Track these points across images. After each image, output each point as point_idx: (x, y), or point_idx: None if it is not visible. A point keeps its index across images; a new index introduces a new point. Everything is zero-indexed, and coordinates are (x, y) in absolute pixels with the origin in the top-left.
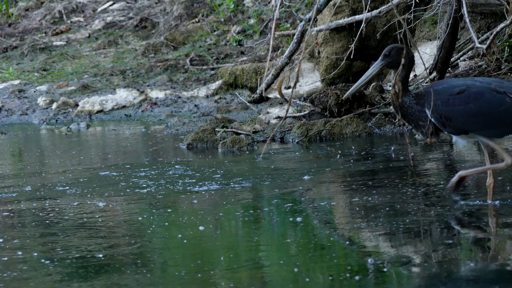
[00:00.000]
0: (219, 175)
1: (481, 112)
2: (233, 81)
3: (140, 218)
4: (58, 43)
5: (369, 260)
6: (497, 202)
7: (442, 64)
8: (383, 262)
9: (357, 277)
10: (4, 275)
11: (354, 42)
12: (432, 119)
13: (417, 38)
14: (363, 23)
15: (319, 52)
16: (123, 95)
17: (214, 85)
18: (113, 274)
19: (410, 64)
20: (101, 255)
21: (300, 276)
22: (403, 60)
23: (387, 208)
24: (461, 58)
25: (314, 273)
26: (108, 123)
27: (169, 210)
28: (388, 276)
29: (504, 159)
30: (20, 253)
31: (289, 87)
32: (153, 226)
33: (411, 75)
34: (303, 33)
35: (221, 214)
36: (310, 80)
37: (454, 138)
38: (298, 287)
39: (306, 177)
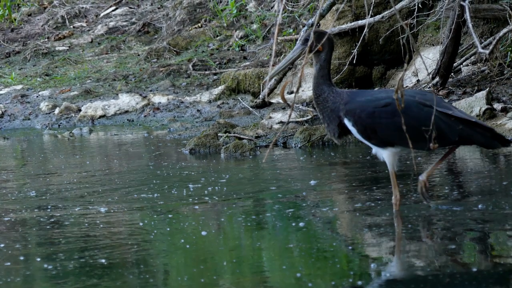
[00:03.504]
0: (221, 180)
1: (408, 125)
2: (236, 86)
3: (141, 224)
4: (61, 48)
5: (372, 265)
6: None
7: (445, 69)
8: (386, 267)
9: (359, 282)
10: (8, 280)
11: (357, 47)
12: (354, 130)
13: (420, 43)
14: (365, 28)
15: None
16: (126, 100)
17: (216, 90)
18: (116, 279)
19: (330, 49)
20: (103, 260)
21: (303, 282)
22: (324, 45)
23: (391, 213)
24: (464, 63)
25: (317, 278)
26: (111, 128)
27: (170, 216)
28: (391, 282)
29: (393, 194)
30: (22, 258)
31: (292, 92)
32: (155, 231)
33: (414, 80)
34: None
35: (223, 219)
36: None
37: (374, 150)
38: None
39: (312, 182)
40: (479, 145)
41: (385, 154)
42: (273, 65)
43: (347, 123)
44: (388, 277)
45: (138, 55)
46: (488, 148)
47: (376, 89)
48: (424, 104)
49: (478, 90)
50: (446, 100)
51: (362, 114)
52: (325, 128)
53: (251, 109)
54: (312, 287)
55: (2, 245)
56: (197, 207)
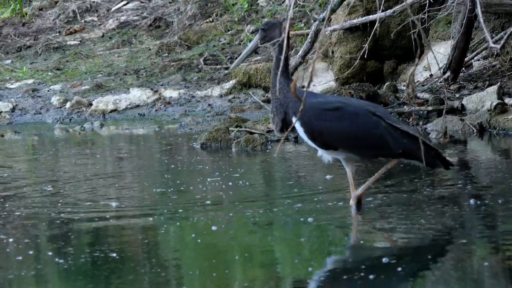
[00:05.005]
0: (233, 175)
1: (354, 132)
2: (247, 81)
3: (151, 218)
4: (72, 42)
5: (383, 259)
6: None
7: (456, 64)
8: (398, 261)
9: (371, 276)
10: (21, 274)
11: (368, 41)
12: (301, 130)
13: (431, 38)
14: (377, 23)
15: (333, 52)
16: (137, 95)
17: (228, 85)
18: (127, 274)
19: (287, 40)
20: (114, 254)
21: (315, 276)
22: (278, 35)
23: (403, 208)
24: (475, 58)
25: (329, 272)
26: (122, 122)
27: (180, 210)
28: (403, 276)
29: (351, 193)
30: (33, 252)
31: (303, 87)
32: (165, 225)
33: (425, 75)
34: (317, 32)
35: (234, 214)
36: (324, 80)
37: (320, 152)
38: (312, 286)
39: (328, 177)
40: (420, 162)
41: (326, 157)
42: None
43: (293, 121)
44: (399, 270)
45: (149, 49)
46: (428, 167)
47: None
48: (374, 113)
49: (490, 85)
50: (457, 95)
51: (310, 114)
52: (270, 118)
53: (262, 103)
54: (323, 281)
55: (12, 240)
56: (208, 201)
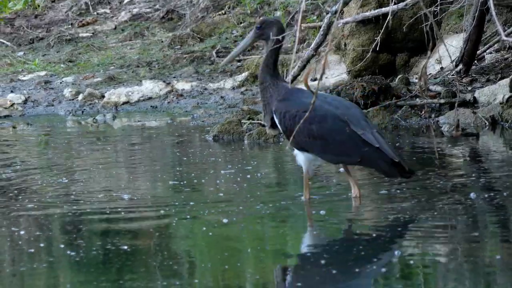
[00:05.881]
0: (245, 167)
1: (321, 136)
2: None
3: (163, 212)
4: (84, 34)
5: (395, 252)
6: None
7: (468, 57)
8: (410, 254)
9: (383, 269)
10: (33, 266)
11: (380, 34)
12: (280, 128)
13: (444, 30)
14: (389, 15)
15: (345, 45)
16: (149, 87)
17: (240, 77)
18: (139, 266)
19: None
20: (126, 247)
21: (327, 268)
22: (274, 34)
23: (415, 200)
24: (487, 51)
25: (341, 264)
26: (134, 114)
27: (192, 203)
28: (415, 269)
29: (304, 194)
30: (44, 244)
31: (315, 79)
32: (177, 218)
33: (438, 68)
34: (329, 25)
35: (246, 207)
36: (336, 72)
37: (295, 151)
38: (324, 278)
39: (341, 170)
40: (379, 171)
41: (303, 158)
42: (296, 52)
43: (276, 120)
44: (411, 264)
45: (162, 41)
46: (386, 176)
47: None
48: (341, 119)
49: (502, 78)
50: (469, 88)
51: (286, 114)
52: (263, 116)
53: None
54: (336, 274)
55: (23, 232)
56: (220, 194)
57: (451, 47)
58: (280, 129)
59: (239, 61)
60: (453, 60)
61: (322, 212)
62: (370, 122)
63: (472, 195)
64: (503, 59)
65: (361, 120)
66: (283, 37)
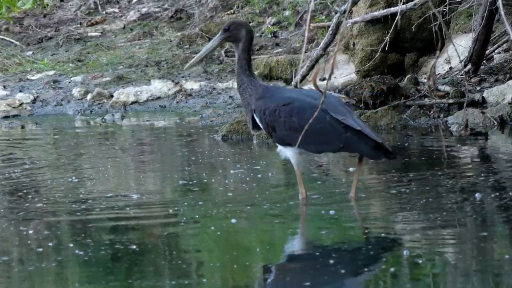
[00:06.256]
0: (254, 167)
1: (301, 127)
2: (268, 73)
3: (171, 211)
4: (93, 34)
5: (404, 252)
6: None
7: (477, 57)
8: (419, 254)
9: (392, 269)
10: (41, 266)
11: (389, 34)
12: (261, 126)
13: (452, 30)
14: (398, 15)
15: (354, 44)
16: (158, 86)
17: None
18: (147, 265)
19: (249, 38)
20: (134, 246)
21: (335, 268)
22: (242, 35)
23: (424, 200)
24: (496, 51)
25: (349, 264)
26: (143, 114)
27: (200, 203)
28: (423, 268)
29: (300, 192)
30: (53, 244)
31: (324, 79)
32: (185, 218)
33: (446, 68)
34: (338, 25)
35: (254, 206)
36: (345, 72)
37: (279, 148)
38: (333, 278)
39: (351, 169)
40: (363, 154)
41: (289, 154)
42: (305, 52)
43: (256, 119)
44: (420, 263)
45: (171, 41)
46: (371, 159)
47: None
48: (321, 109)
49: (510, 78)
50: (478, 88)
51: (266, 111)
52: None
53: None
54: (344, 273)
55: (32, 231)
56: (230, 194)
57: (460, 47)
58: (262, 126)
59: None
60: (462, 60)
61: (332, 212)
62: (349, 108)
63: (478, 195)
64: None
65: (340, 107)
66: (252, 38)
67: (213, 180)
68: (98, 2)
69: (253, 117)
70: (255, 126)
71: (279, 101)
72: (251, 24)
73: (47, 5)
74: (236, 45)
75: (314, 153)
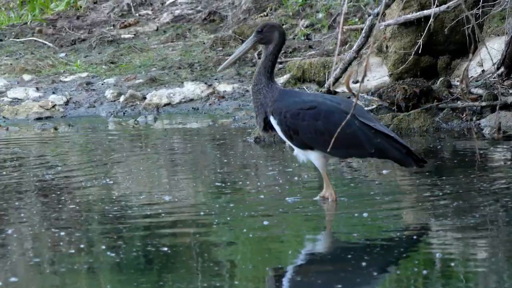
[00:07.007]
0: (287, 169)
1: (329, 131)
2: (301, 75)
3: (203, 213)
4: (126, 36)
5: (437, 254)
6: None
7: (510, 60)
8: (451, 256)
9: (424, 272)
10: (74, 267)
11: (422, 37)
12: (278, 129)
13: (485, 33)
14: (431, 18)
15: (387, 47)
16: (191, 89)
17: (282, 79)
18: (179, 268)
19: (281, 41)
20: (166, 249)
21: (367, 270)
22: (275, 38)
23: (456, 203)
24: None
25: (382, 267)
26: (176, 116)
27: (232, 205)
28: (455, 271)
29: (329, 194)
30: (84, 246)
31: (357, 82)
32: (217, 220)
33: (479, 71)
34: (371, 27)
35: (286, 208)
36: (378, 75)
37: (296, 151)
38: (365, 280)
39: (384, 171)
40: (394, 160)
41: (312, 157)
42: (338, 54)
43: (272, 121)
44: (453, 265)
45: (204, 43)
46: (402, 165)
47: (313, 92)
48: (347, 112)
49: None
50: (511, 91)
51: (287, 114)
52: (255, 118)
53: None
54: (376, 276)
55: (64, 233)
56: (262, 196)
57: (492, 49)
58: (279, 129)
59: (280, 63)
60: (495, 63)
61: (365, 214)
62: (373, 116)
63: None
64: None
65: (366, 113)
66: (284, 41)
67: (245, 182)
68: (131, 4)
69: (265, 119)
70: (267, 128)
71: (303, 104)
72: (284, 26)
73: (80, 7)
74: (266, 47)
75: (340, 158)
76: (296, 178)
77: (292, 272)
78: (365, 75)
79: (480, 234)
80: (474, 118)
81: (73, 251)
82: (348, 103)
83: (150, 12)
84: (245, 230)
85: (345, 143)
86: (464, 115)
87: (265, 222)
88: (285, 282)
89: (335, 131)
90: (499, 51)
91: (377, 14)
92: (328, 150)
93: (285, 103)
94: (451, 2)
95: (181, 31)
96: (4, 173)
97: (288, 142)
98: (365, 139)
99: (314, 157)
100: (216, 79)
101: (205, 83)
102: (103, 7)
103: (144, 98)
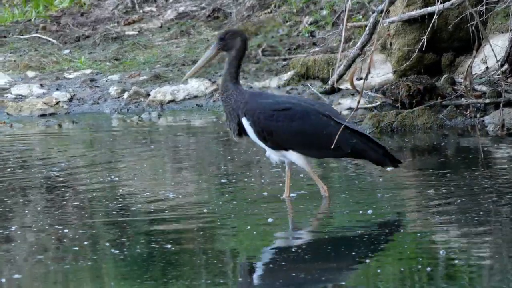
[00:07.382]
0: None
1: (304, 132)
2: (305, 72)
3: (206, 210)
4: (130, 32)
5: (441, 252)
6: None
7: None
8: (455, 254)
9: (428, 269)
10: (78, 264)
11: (426, 34)
12: (251, 130)
13: (489, 30)
14: (435, 15)
15: (391, 44)
16: (195, 85)
17: (286, 76)
18: (183, 265)
19: (243, 47)
20: (170, 246)
21: (372, 268)
22: (237, 44)
23: (460, 200)
24: None
25: (386, 264)
26: (180, 113)
27: (235, 202)
28: (459, 268)
29: (320, 187)
30: (89, 242)
31: (360, 78)
32: (221, 217)
33: (483, 68)
34: (375, 24)
35: (290, 206)
36: (381, 72)
37: (268, 152)
38: (370, 278)
39: (389, 169)
40: (371, 160)
41: (293, 158)
42: (342, 51)
43: (245, 123)
44: (457, 263)
45: (208, 40)
46: (378, 165)
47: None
48: (322, 113)
49: None
50: None
51: (261, 115)
52: (227, 125)
53: (320, 95)
54: (380, 273)
55: (67, 230)
56: (265, 193)
57: (496, 46)
58: (253, 130)
59: (284, 60)
60: (499, 60)
61: (370, 211)
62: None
63: None
64: None
65: (339, 115)
66: (246, 48)
67: (249, 179)
68: (135, 1)
69: (239, 123)
70: (241, 132)
71: (276, 106)
72: (288, 23)
73: (85, 3)
74: (229, 53)
75: (317, 158)
76: (299, 174)
77: (296, 269)
78: (369, 72)
79: (484, 231)
80: (478, 115)
81: (77, 248)
82: (321, 105)
83: (154, 9)
84: (248, 227)
85: (320, 144)
86: (468, 112)
87: (269, 220)
88: (289, 278)
89: (311, 131)
90: (503, 48)
91: (381, 11)
92: (299, 150)
93: (257, 104)
94: None
95: (185, 28)
96: (9, 170)
97: (260, 144)
98: (341, 140)
99: (295, 157)
100: (220, 75)
101: (209, 80)
102: (107, 4)
103: (148, 95)
